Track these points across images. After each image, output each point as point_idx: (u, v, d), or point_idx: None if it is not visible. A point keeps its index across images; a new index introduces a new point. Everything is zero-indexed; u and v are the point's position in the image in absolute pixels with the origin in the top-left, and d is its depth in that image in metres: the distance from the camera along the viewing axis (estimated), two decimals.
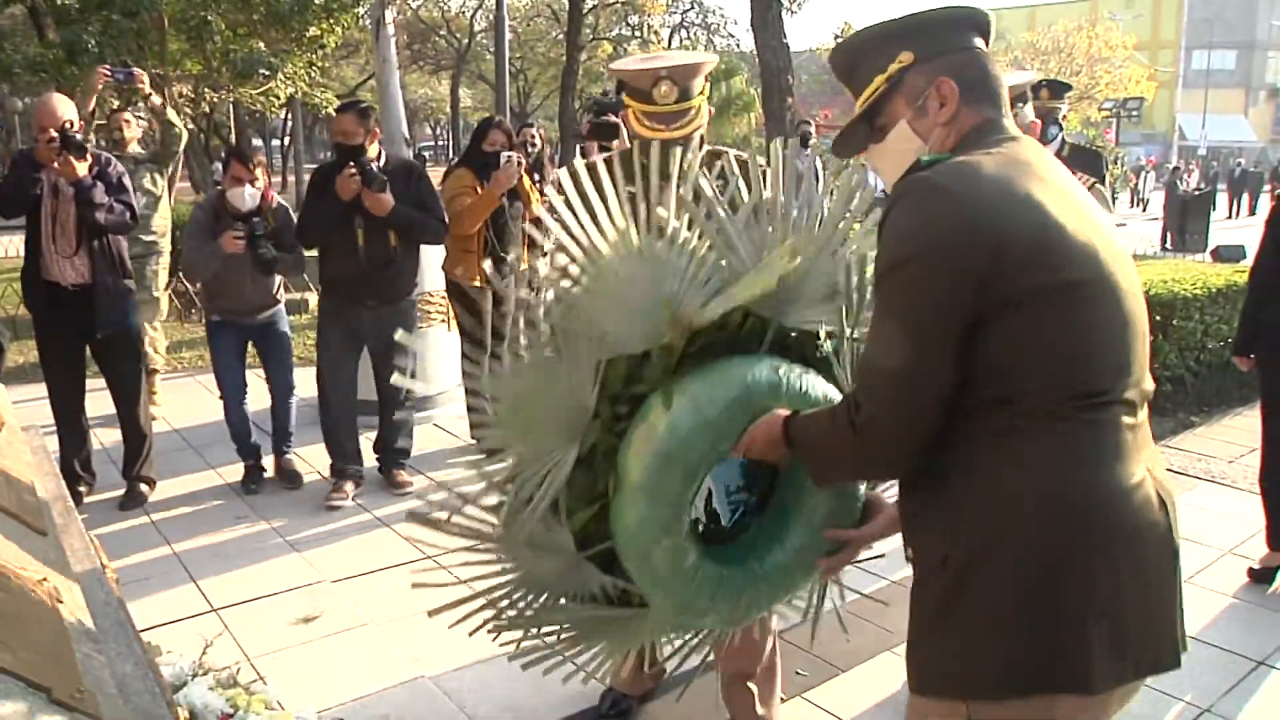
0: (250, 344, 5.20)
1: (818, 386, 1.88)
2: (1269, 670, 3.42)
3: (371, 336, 4.95)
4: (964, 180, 1.47)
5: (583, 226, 1.81)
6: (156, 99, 6.31)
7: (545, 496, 1.79)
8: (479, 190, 5.23)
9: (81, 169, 4.42)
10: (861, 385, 1.58)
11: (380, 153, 4.82)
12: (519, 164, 5.20)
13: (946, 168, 1.50)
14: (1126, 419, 1.52)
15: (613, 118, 5.17)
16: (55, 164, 4.40)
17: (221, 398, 5.15)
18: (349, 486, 5.01)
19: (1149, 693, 3.06)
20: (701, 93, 2.62)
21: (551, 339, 1.81)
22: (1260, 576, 4.04)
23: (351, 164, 4.61)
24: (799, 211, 1.93)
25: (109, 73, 5.35)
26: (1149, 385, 1.59)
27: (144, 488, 4.92)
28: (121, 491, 4.90)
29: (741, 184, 1.96)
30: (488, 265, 2.16)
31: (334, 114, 5.04)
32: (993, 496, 1.50)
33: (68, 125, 4.43)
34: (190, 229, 4.94)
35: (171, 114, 6.38)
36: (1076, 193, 1.56)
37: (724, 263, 1.86)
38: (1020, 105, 2.77)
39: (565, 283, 1.83)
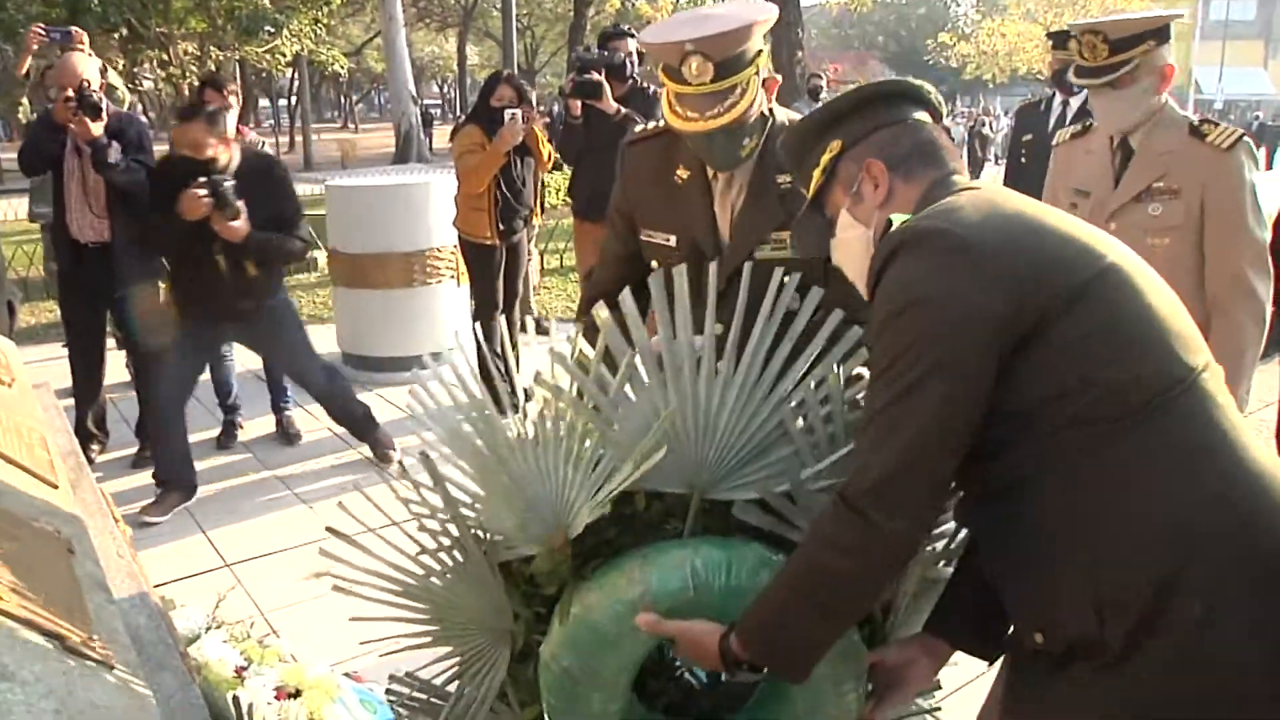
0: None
1: (746, 568, 1.49)
2: None
3: (247, 341, 4.63)
4: (950, 217, 1.35)
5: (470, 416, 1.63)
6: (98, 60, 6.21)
7: (485, 701, 1.66)
8: (487, 147, 5.19)
9: (96, 129, 4.37)
10: (865, 495, 1.31)
11: (232, 158, 4.20)
12: (526, 120, 5.14)
13: (928, 214, 1.38)
14: (1221, 399, 1.32)
15: (595, 75, 5.06)
16: (71, 123, 4.37)
17: None
18: (174, 499, 4.33)
19: None
20: (754, 63, 2.00)
21: (458, 541, 1.64)
22: None
23: (200, 180, 3.98)
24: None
25: (43, 32, 5.28)
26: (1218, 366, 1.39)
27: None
28: (134, 450, 4.91)
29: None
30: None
31: (175, 122, 4.51)
32: (1131, 518, 1.26)
33: (85, 85, 4.38)
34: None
35: (113, 76, 6.26)
36: (1052, 209, 1.45)
37: (602, 448, 1.55)
38: (1155, 44, 2.63)
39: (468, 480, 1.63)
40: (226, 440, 5.18)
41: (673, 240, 2.21)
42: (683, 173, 2.19)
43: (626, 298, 1.61)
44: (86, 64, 4.51)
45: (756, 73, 2.00)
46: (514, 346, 5.63)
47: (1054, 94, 5.12)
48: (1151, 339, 1.30)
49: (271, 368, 5.21)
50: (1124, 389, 1.27)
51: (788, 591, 1.39)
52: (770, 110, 2.11)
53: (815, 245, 1.63)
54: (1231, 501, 1.24)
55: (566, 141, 5.34)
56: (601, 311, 1.58)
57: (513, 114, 5.06)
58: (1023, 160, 5.19)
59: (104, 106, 4.40)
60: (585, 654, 1.50)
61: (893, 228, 1.41)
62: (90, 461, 4.57)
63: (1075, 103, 5.01)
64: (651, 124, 2.37)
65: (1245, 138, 2.68)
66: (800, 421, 1.56)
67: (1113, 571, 1.25)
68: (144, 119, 4.97)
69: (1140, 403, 1.26)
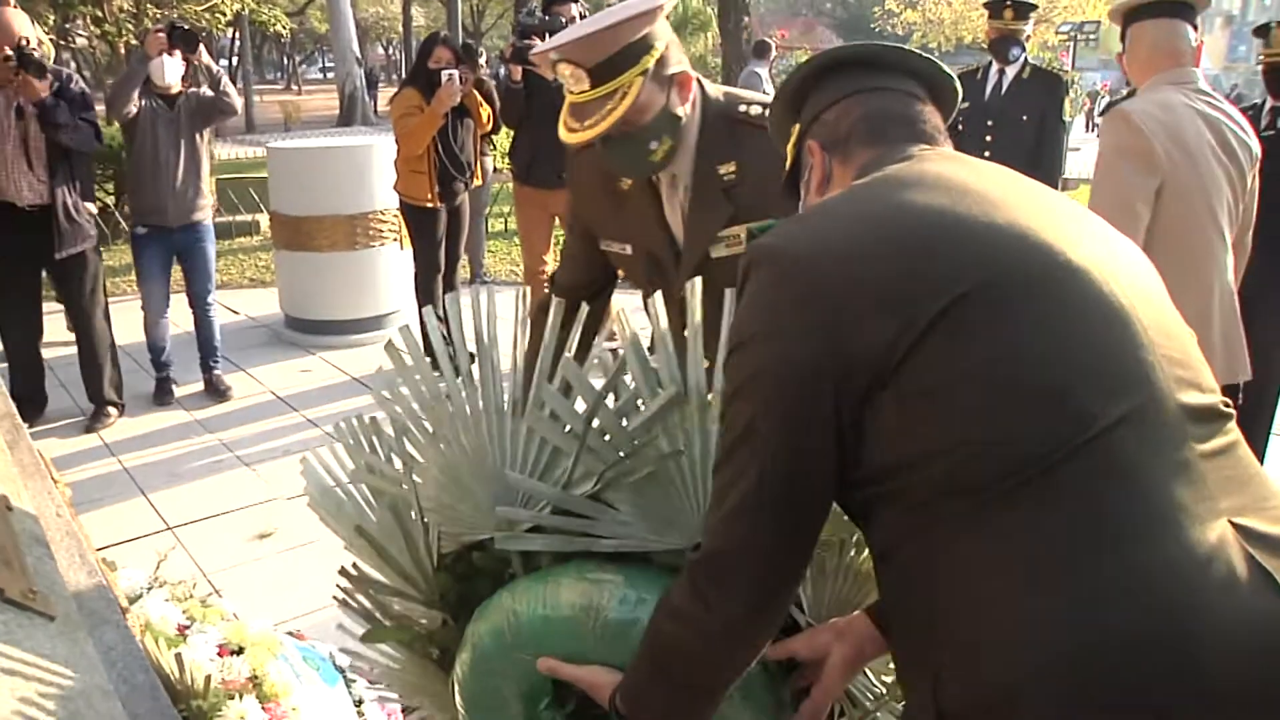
0: (175, 259, 5.20)
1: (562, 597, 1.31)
2: None
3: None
4: (801, 228, 1.15)
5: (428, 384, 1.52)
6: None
7: None
8: (425, 109, 5.16)
9: (43, 88, 4.30)
10: (699, 568, 1.12)
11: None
12: (463, 80, 5.13)
13: (785, 223, 1.18)
14: (1170, 448, 0.99)
15: (536, 40, 5.05)
16: (13, 84, 4.28)
17: (143, 308, 5.17)
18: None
19: None
20: (640, 62, 1.82)
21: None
22: None
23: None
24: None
25: None
26: (1208, 387, 1.06)
27: (112, 410, 4.90)
28: (75, 419, 4.89)
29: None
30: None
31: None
32: (979, 621, 0.99)
33: (24, 42, 4.28)
34: None
35: (37, 29, 6.16)
36: (1011, 187, 1.15)
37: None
38: (1183, 20, 2.68)
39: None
40: (161, 397, 5.20)
41: (629, 249, 2.13)
42: (626, 180, 2.07)
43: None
44: (21, 20, 4.40)
45: (644, 72, 1.82)
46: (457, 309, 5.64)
47: (990, 62, 5.19)
48: (1038, 382, 0.99)
49: (201, 328, 5.26)
50: (987, 453, 0.98)
51: (647, 661, 1.20)
52: (698, 101, 1.95)
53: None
54: (1096, 617, 0.93)
55: (507, 106, 5.35)
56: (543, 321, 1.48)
57: (450, 75, 5.06)
58: (959, 127, 5.27)
59: (41, 62, 4.32)
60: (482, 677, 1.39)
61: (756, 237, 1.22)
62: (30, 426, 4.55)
63: (1011, 71, 5.09)
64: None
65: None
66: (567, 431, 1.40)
67: (950, 682, 1.00)
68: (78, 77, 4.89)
69: (1003, 471, 0.97)
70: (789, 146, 1.41)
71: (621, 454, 1.34)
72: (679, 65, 1.90)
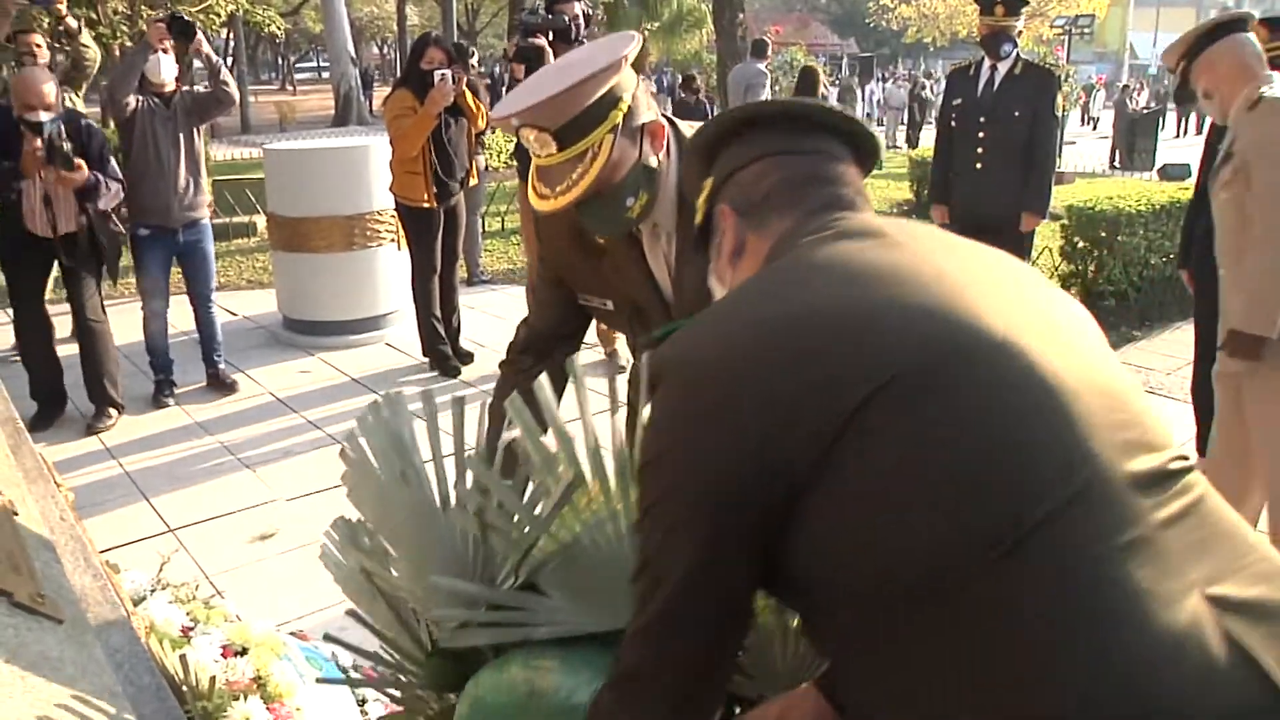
0: (175, 260, 5.25)
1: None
2: None
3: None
4: (706, 334, 1.06)
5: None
6: (72, 21, 6.14)
7: None
8: (418, 110, 5.18)
9: (78, 176, 4.45)
10: (612, 688, 1.11)
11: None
12: (455, 80, 5.16)
13: (683, 335, 1.08)
14: (1123, 526, 0.90)
15: (540, 40, 5.07)
16: (40, 175, 4.41)
17: (143, 309, 5.21)
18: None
19: None
20: (608, 118, 1.70)
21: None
22: None
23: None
24: None
25: None
26: (1158, 445, 0.99)
27: (113, 411, 4.92)
28: (75, 422, 4.91)
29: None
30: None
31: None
32: None
33: (55, 136, 4.39)
34: None
35: (86, 34, 6.22)
36: (936, 258, 1.07)
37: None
38: (1237, 32, 2.94)
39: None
40: (160, 398, 5.23)
41: (610, 304, 2.02)
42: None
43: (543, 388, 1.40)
44: (45, 80, 4.49)
45: (613, 129, 1.71)
46: (454, 308, 5.67)
47: (983, 59, 5.21)
48: (967, 475, 0.92)
49: (202, 325, 5.33)
50: (916, 554, 0.91)
51: None
52: (672, 146, 1.84)
53: (699, 297, 1.34)
54: None
55: None
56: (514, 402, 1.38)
57: (442, 74, 5.09)
58: (953, 124, 5.29)
59: (70, 152, 4.42)
60: None
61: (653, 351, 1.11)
62: (48, 427, 4.70)
63: (1003, 67, 5.11)
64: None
65: None
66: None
67: None
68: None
69: (936, 571, 0.90)
70: (700, 201, 1.30)
71: (530, 544, 1.34)
72: (649, 113, 1.79)
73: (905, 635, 0.92)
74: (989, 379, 0.95)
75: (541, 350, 2.10)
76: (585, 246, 1.97)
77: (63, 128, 4.44)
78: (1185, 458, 1.00)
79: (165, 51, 4.97)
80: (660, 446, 1.04)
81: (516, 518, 1.36)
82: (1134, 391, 1.03)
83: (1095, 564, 0.88)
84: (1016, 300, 1.04)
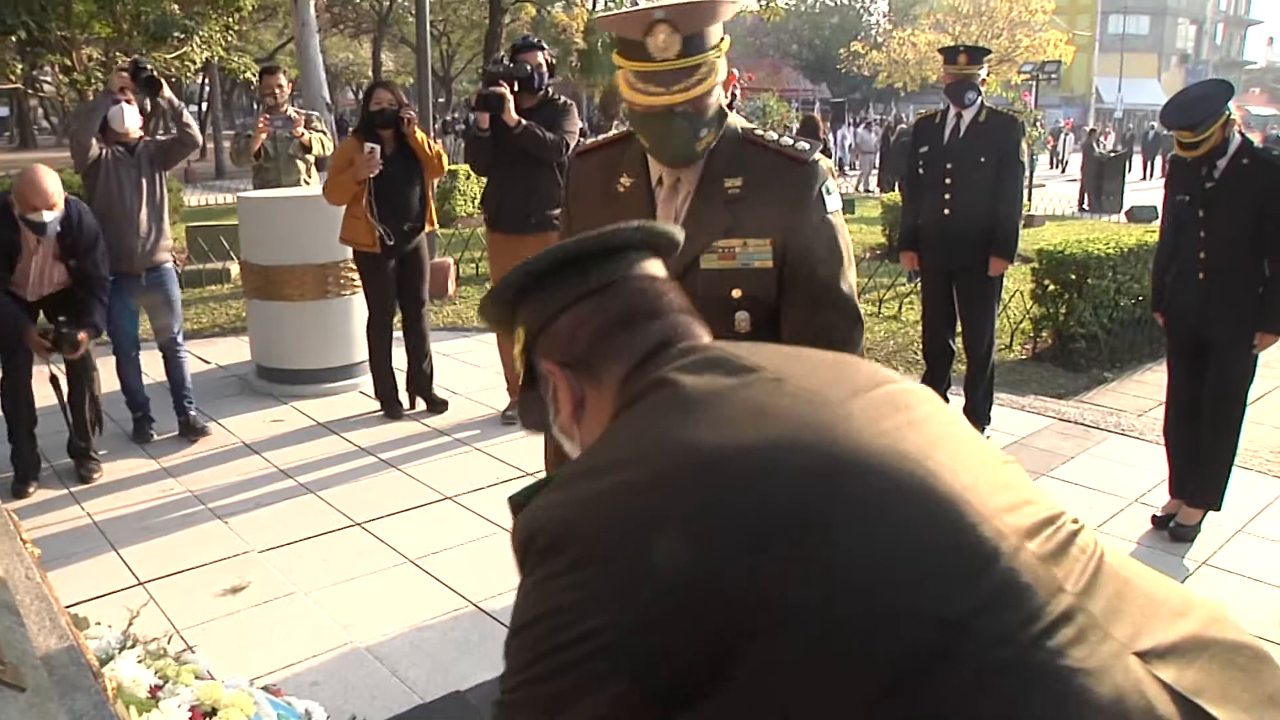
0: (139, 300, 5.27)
1: None
2: None
3: None
4: (570, 505, 1.02)
5: None
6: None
7: None
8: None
9: (88, 343, 4.57)
10: None
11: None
12: (407, 121, 5.33)
13: (548, 499, 1.04)
14: (1045, 609, 0.90)
15: (502, 88, 5.12)
16: (51, 353, 4.52)
17: (114, 353, 5.22)
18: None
19: None
20: (718, 45, 1.99)
21: None
22: (1161, 523, 4.20)
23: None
24: None
25: None
26: (1054, 513, 1.01)
27: (93, 464, 4.84)
28: (42, 472, 4.81)
29: None
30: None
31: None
32: None
33: (61, 322, 4.47)
34: None
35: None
36: (786, 384, 1.05)
37: None
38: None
39: None
40: (141, 435, 5.24)
41: None
42: (625, 180, 2.16)
43: None
44: (52, 179, 4.44)
45: (720, 57, 1.99)
46: (425, 356, 5.67)
47: (948, 107, 5.29)
48: (866, 608, 0.89)
49: (171, 371, 5.32)
50: (839, 684, 0.88)
51: None
52: (729, 105, 2.09)
53: (541, 425, 1.28)
54: None
55: (475, 154, 5.42)
56: None
57: (371, 149, 5.24)
58: (920, 172, 5.36)
59: (75, 335, 4.49)
60: None
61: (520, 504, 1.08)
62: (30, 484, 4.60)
63: (968, 115, 5.19)
64: (600, 135, 2.34)
65: None
66: None
67: None
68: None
69: (869, 698, 0.87)
70: (516, 351, 1.24)
71: None
72: (725, 69, 2.04)
73: None
74: (876, 501, 0.93)
75: None
76: (606, 194, 2.18)
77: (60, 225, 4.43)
78: (1076, 519, 1.01)
79: (129, 102, 5.01)
80: (530, 614, 0.99)
81: None
82: (1016, 468, 1.06)
83: (1027, 656, 0.87)
84: (890, 407, 1.03)
